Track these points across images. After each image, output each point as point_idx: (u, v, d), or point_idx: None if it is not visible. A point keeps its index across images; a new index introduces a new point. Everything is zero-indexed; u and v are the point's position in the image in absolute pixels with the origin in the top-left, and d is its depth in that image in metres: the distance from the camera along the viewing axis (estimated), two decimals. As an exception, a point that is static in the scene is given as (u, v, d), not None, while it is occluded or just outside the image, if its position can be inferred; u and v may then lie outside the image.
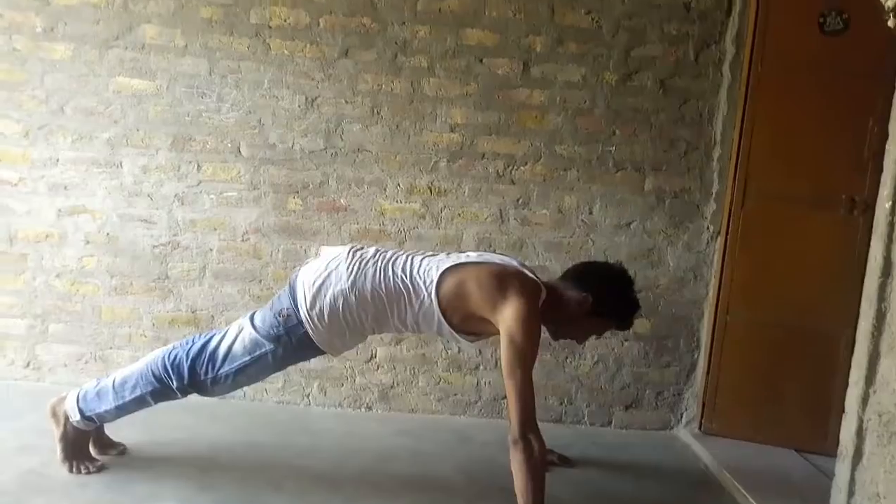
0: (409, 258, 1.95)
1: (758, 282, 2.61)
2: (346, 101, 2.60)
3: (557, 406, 2.74)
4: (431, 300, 1.87)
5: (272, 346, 1.91)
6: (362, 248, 1.99)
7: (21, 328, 2.67)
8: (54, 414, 2.02)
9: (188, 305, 2.68)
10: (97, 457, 2.07)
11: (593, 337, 2.21)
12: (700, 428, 2.71)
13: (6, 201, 2.61)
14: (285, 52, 2.57)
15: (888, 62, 2.34)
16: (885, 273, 1.67)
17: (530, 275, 1.94)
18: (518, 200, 2.67)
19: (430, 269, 1.90)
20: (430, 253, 2.01)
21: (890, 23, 1.71)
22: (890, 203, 1.67)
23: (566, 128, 2.64)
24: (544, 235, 2.69)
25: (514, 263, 1.98)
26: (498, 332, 1.84)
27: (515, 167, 2.66)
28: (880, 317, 1.68)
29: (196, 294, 2.67)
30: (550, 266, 2.68)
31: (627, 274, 2.02)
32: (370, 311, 1.90)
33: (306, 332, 1.89)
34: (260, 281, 2.67)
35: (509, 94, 2.62)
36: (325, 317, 1.88)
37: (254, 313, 1.98)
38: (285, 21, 2.56)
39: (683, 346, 2.75)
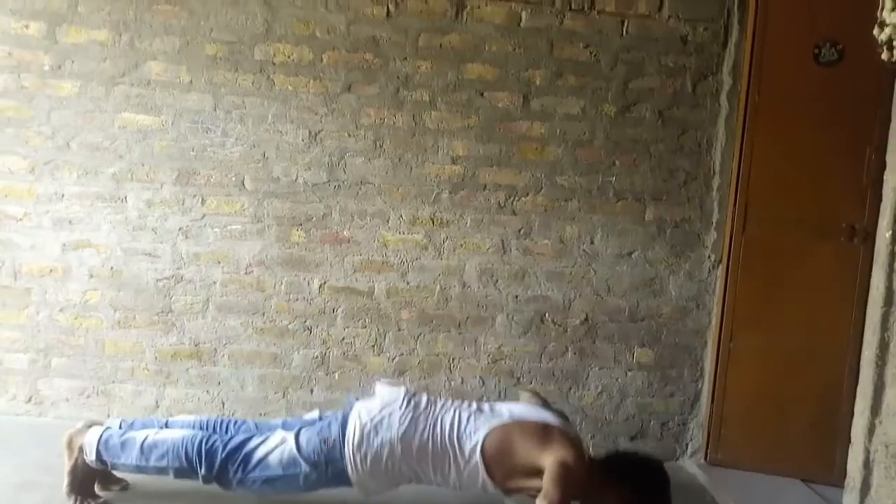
0: (457, 413, 1.94)
1: (760, 310, 2.61)
2: (349, 135, 2.63)
3: (562, 437, 2.72)
4: (477, 461, 1.87)
5: (307, 470, 1.91)
6: (416, 396, 2.00)
7: (23, 363, 2.66)
8: (70, 444, 2.01)
9: (191, 339, 2.67)
10: (100, 493, 2.06)
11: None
12: (706, 458, 2.69)
13: (11, 236, 2.62)
14: (289, 87, 2.61)
15: (883, 92, 2.38)
16: (888, 303, 1.68)
17: (574, 435, 1.95)
18: (520, 231, 2.69)
19: (476, 427, 1.90)
20: (477, 406, 1.99)
21: (883, 55, 1.75)
22: (890, 233, 1.69)
23: (566, 159, 2.67)
24: (546, 265, 2.70)
25: (558, 420, 1.97)
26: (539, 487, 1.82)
27: (517, 198, 2.68)
28: (884, 346, 1.69)
29: (199, 327, 2.67)
30: (553, 296, 2.69)
31: (665, 472, 1.98)
32: (413, 465, 1.91)
33: (345, 469, 1.90)
34: (263, 314, 2.67)
35: (510, 126, 2.65)
36: (368, 461, 1.89)
37: (300, 429, 1.96)
38: (289, 57, 2.60)
39: (687, 376, 2.74)
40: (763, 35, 2.56)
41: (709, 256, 2.70)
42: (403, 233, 2.68)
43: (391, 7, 2.59)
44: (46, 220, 2.62)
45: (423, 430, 1.91)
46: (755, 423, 2.63)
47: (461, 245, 2.69)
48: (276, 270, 2.66)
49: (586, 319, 2.71)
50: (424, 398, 2.00)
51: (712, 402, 2.68)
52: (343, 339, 2.69)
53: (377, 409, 1.95)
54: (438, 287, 2.69)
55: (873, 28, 1.74)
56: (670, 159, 2.68)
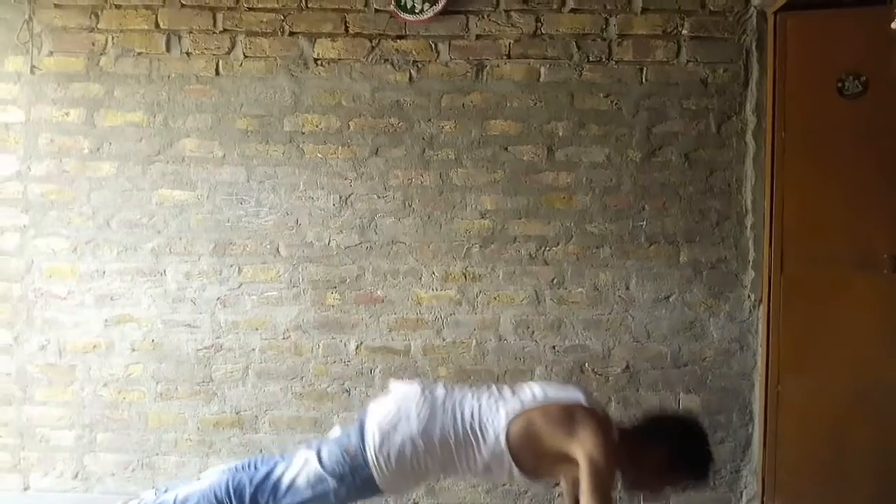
0: (477, 401, 1.91)
1: (806, 348, 2.54)
2: (379, 197, 2.68)
3: (611, 490, 2.65)
4: (502, 448, 1.84)
5: (335, 484, 1.88)
6: (432, 388, 1.98)
7: (69, 439, 2.70)
8: None
9: (232, 407, 2.69)
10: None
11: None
12: (763, 506, 2.59)
13: (56, 315, 2.70)
14: (318, 155, 2.67)
15: (913, 122, 2.36)
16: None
17: (600, 412, 1.91)
18: (553, 281, 2.68)
19: (497, 414, 1.87)
20: (497, 390, 1.96)
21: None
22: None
23: (595, 206, 2.67)
24: (582, 314, 2.67)
25: (581, 396, 1.92)
26: (569, 466, 1.80)
27: (547, 248, 2.68)
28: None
29: (240, 395, 2.69)
30: (591, 345, 2.66)
31: (702, 427, 1.96)
32: (437, 457, 1.88)
33: (371, 474, 1.87)
34: (301, 378, 2.68)
35: (536, 178, 2.67)
36: (393, 461, 1.86)
37: (321, 446, 1.95)
38: (317, 126, 2.67)
39: (737, 421, 2.66)
40: (784, 72, 2.55)
41: (749, 296, 2.64)
42: (436, 289, 2.68)
43: (413, 72, 2.66)
44: (89, 298, 2.69)
45: (443, 421, 1.87)
46: (812, 467, 2.53)
47: (495, 298, 2.68)
48: (312, 334, 2.68)
49: (627, 367, 2.66)
50: (441, 389, 1.96)
51: (765, 447, 2.58)
52: (382, 399, 2.67)
53: (394, 406, 1.92)
54: (474, 342, 2.68)
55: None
56: (700, 200, 2.66)
